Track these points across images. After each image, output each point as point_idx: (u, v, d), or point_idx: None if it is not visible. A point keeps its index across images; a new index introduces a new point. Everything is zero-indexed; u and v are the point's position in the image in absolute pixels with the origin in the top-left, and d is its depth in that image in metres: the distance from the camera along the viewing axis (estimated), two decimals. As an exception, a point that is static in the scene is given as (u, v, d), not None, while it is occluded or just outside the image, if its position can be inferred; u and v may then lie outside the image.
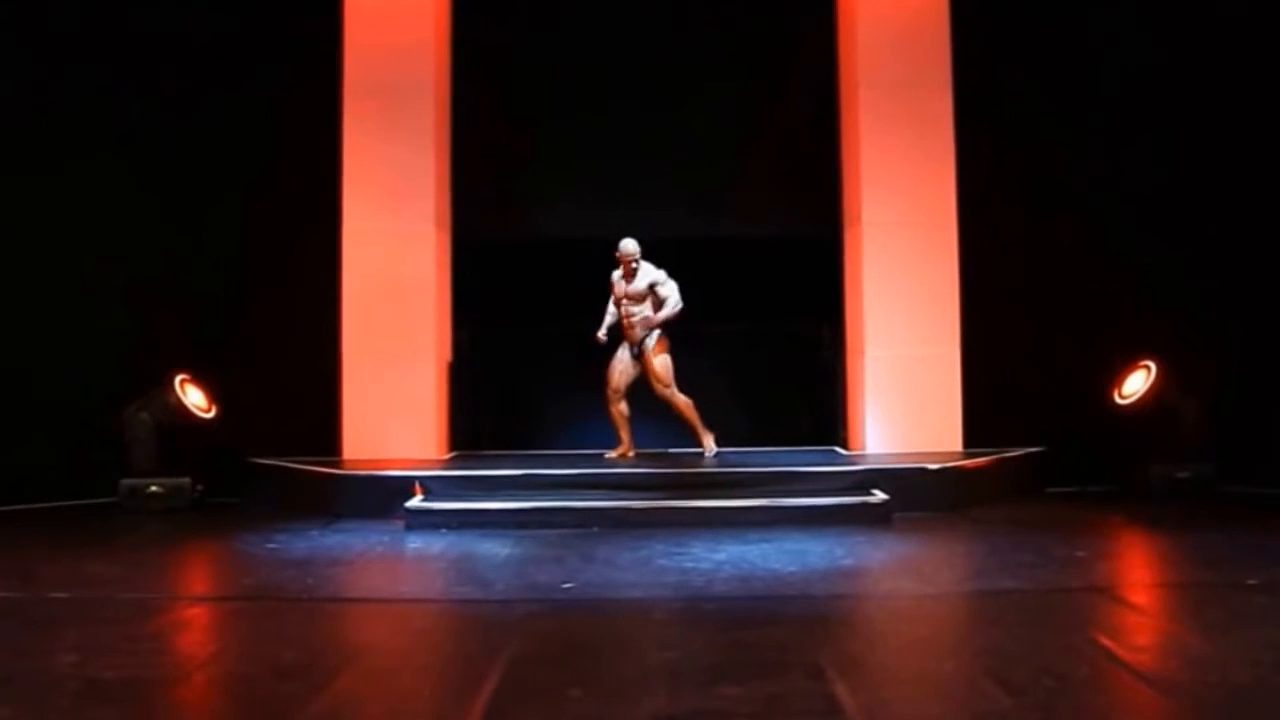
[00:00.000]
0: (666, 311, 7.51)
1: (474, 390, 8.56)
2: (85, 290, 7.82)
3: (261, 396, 7.90)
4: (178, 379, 7.64)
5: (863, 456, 7.81)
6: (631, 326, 7.60)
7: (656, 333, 7.58)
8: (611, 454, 7.69)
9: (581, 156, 8.63)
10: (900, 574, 5.17)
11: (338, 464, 7.60)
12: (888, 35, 8.01)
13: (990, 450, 7.61)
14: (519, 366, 8.60)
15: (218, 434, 7.78)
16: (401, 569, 5.50)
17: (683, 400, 7.64)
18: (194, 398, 7.70)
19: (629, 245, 7.52)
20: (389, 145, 7.97)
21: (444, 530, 6.22)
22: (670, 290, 7.53)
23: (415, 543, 5.96)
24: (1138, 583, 5.09)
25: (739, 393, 8.74)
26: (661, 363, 7.58)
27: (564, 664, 3.49)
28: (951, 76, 7.98)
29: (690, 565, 5.09)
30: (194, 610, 4.53)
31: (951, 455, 7.54)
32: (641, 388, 7.65)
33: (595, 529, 6.15)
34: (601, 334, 7.73)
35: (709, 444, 7.68)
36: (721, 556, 5.26)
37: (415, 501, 6.56)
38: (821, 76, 8.59)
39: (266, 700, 3.15)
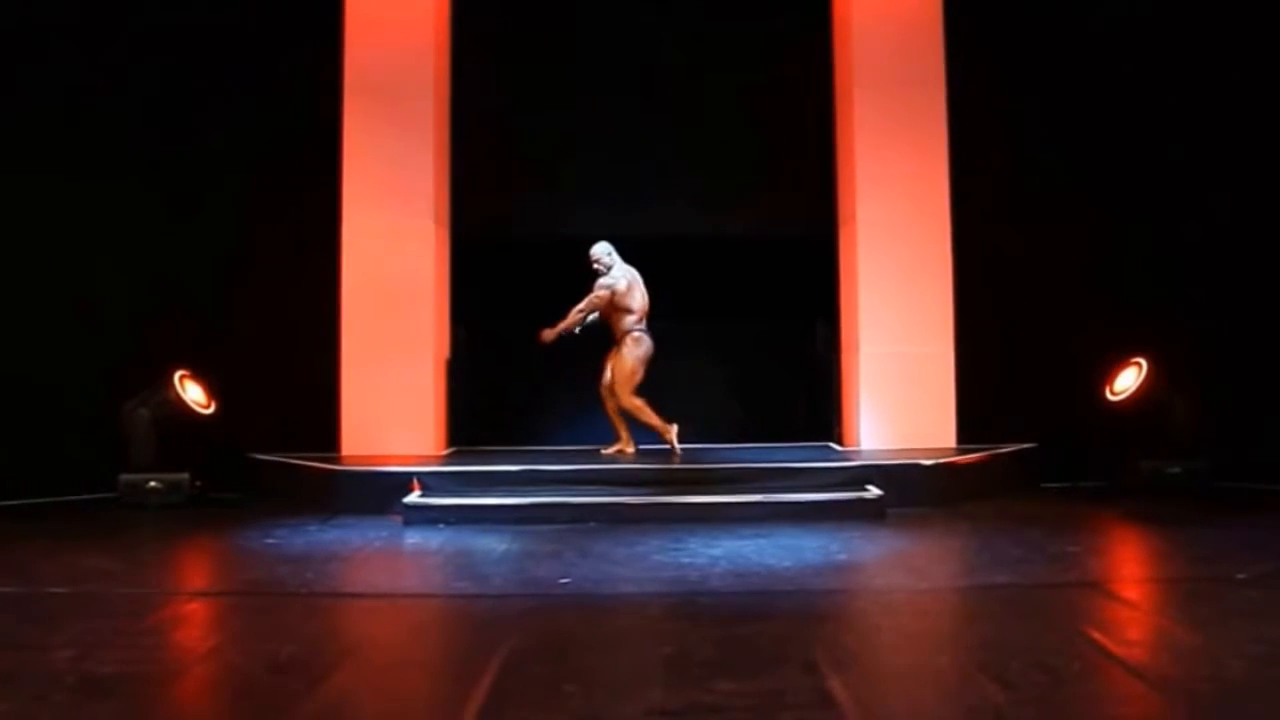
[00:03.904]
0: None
1: (472, 386, 8.57)
2: (85, 286, 7.82)
3: (260, 392, 7.90)
4: (177, 375, 7.65)
5: (857, 453, 7.84)
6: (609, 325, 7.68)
7: (634, 334, 7.57)
8: (608, 450, 7.71)
9: (579, 154, 8.64)
10: (894, 569, 5.20)
11: (336, 460, 7.62)
12: (882, 35, 8.02)
13: (983, 446, 7.63)
14: (517, 362, 8.61)
15: (216, 430, 7.78)
16: (399, 564, 5.53)
17: (631, 404, 7.54)
18: (193, 393, 7.71)
19: (592, 249, 7.61)
20: (389, 142, 7.98)
21: (442, 526, 6.24)
22: (597, 286, 7.55)
23: (413, 538, 5.98)
24: (1129, 578, 5.13)
25: (734, 389, 8.77)
26: (621, 365, 7.55)
27: (560, 659, 3.52)
28: (945, 75, 8.01)
29: (686, 560, 5.11)
30: (192, 605, 4.56)
31: (945, 451, 7.57)
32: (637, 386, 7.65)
33: (592, 524, 6.18)
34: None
35: (672, 439, 7.53)
36: (717, 552, 5.29)
37: (413, 497, 6.59)
38: (817, 76, 8.61)
39: (264, 695, 3.17)
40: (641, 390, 7.63)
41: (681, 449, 7.53)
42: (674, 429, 7.57)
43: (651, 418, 7.57)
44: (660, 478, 6.93)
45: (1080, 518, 6.53)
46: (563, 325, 7.53)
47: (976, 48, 8.06)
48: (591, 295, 7.54)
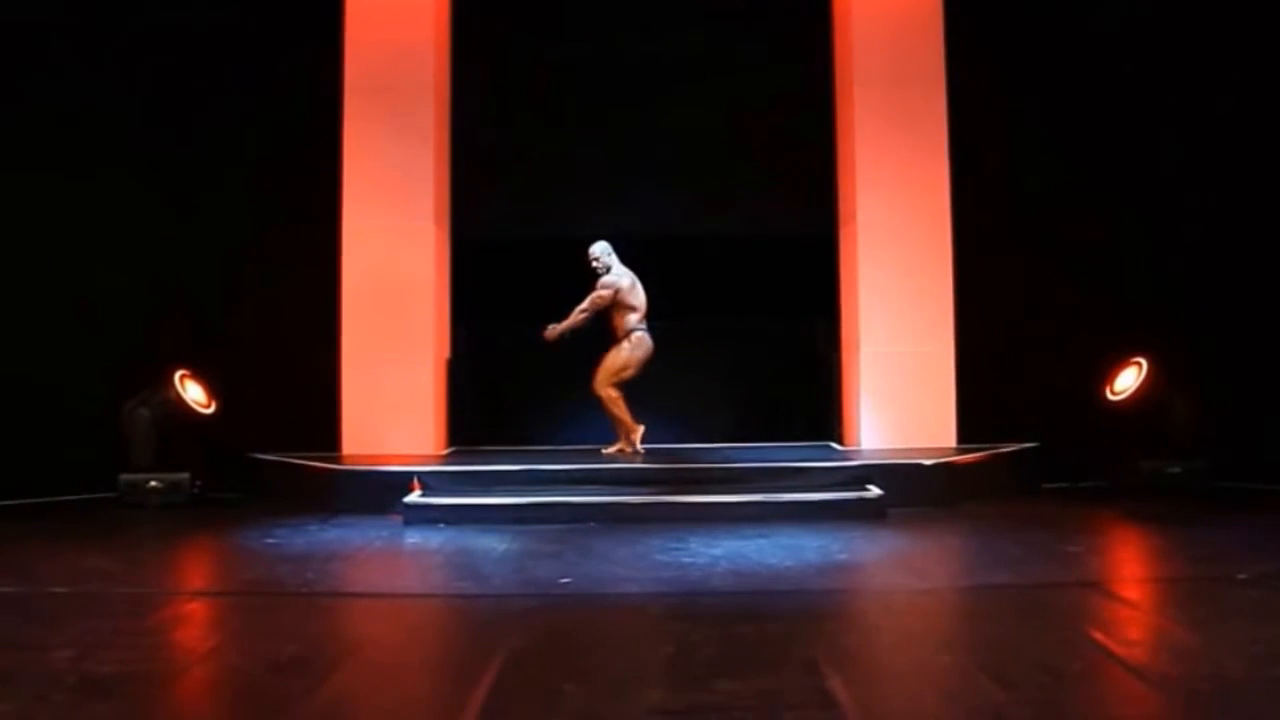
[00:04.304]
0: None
1: (472, 386, 8.57)
2: (85, 286, 7.82)
3: (261, 392, 7.90)
4: (177, 374, 7.66)
5: (858, 452, 7.84)
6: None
7: (636, 334, 7.55)
8: (608, 449, 7.71)
9: (579, 154, 8.64)
10: (895, 569, 5.20)
11: (336, 459, 7.61)
12: (882, 33, 8.03)
13: (984, 446, 7.63)
14: (517, 363, 8.61)
15: (217, 429, 7.79)
16: (399, 564, 5.53)
17: (607, 394, 7.57)
18: (193, 393, 7.71)
19: (591, 248, 7.61)
20: (389, 143, 7.99)
21: (442, 525, 6.24)
22: (600, 285, 7.55)
23: (413, 538, 5.98)
24: (1130, 577, 5.13)
25: (735, 389, 8.76)
26: (614, 359, 7.56)
27: (561, 659, 3.52)
28: (945, 75, 8.01)
29: (687, 560, 5.12)
30: (192, 605, 4.56)
31: (945, 451, 7.57)
32: (632, 385, 7.63)
33: (592, 524, 6.18)
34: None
35: (635, 440, 7.57)
36: (718, 551, 5.29)
37: (413, 497, 6.59)
38: (817, 76, 8.62)
39: (264, 695, 3.17)
40: (641, 388, 7.64)
41: (648, 448, 7.55)
42: (640, 430, 7.60)
43: (622, 412, 7.60)
44: (661, 477, 6.94)
45: (1080, 518, 6.53)
46: (566, 324, 7.53)
47: (976, 47, 8.06)
48: (595, 294, 7.55)
